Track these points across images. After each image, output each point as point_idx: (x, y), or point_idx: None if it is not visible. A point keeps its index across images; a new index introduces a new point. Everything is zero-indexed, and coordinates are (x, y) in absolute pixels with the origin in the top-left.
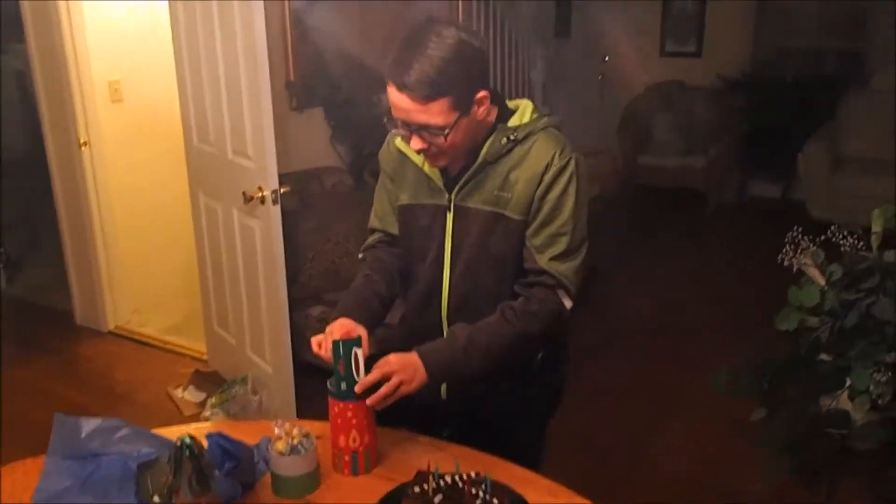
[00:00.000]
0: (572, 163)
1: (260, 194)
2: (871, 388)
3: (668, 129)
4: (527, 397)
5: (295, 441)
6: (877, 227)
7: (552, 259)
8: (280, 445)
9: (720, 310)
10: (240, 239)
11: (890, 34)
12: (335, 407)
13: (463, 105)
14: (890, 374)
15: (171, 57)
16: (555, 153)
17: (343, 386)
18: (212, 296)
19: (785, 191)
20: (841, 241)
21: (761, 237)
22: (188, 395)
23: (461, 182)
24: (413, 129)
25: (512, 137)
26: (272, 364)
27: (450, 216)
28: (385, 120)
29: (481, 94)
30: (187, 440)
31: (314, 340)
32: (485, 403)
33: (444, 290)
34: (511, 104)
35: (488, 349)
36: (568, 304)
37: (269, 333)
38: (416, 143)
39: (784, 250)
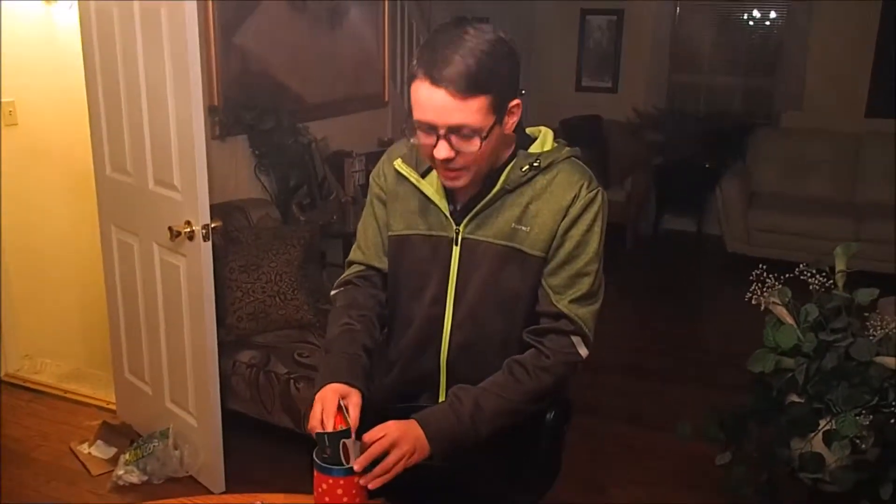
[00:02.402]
0: (599, 196)
1: (188, 229)
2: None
3: (585, 163)
4: (532, 463)
5: None
6: (840, 266)
7: (572, 301)
8: None
9: (664, 347)
10: (160, 277)
11: (797, 74)
12: (323, 483)
13: (499, 109)
14: (871, 416)
15: (71, 75)
16: (582, 185)
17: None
18: (123, 339)
19: (700, 224)
20: (809, 280)
21: (687, 270)
22: (96, 451)
23: (473, 211)
24: (442, 133)
25: (535, 164)
26: (197, 416)
27: (456, 250)
28: (404, 126)
29: (515, 101)
30: None
31: (314, 419)
32: (484, 470)
33: (445, 333)
34: (529, 131)
35: (497, 414)
36: (584, 352)
37: (194, 382)
38: (444, 150)
39: (752, 288)
